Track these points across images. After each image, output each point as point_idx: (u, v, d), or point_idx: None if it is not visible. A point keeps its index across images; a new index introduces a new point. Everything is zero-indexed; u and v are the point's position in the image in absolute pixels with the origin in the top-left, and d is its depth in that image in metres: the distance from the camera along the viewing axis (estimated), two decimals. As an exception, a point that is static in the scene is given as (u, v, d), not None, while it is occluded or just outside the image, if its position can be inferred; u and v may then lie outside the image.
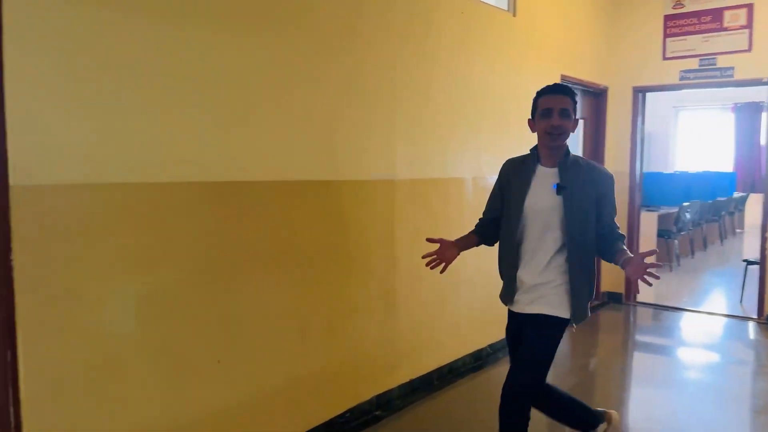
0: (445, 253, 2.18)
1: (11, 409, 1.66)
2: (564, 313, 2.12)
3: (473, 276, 3.44)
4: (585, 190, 2.12)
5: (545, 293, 2.13)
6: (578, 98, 2.24)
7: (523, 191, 2.16)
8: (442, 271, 2.19)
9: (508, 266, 2.21)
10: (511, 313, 2.27)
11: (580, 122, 4.75)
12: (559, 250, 2.13)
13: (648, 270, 1.96)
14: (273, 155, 2.33)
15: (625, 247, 2.11)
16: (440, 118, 3.22)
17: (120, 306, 1.90)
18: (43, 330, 1.72)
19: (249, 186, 2.25)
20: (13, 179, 1.64)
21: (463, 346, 3.49)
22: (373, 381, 2.88)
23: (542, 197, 2.14)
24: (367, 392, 2.84)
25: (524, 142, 2.47)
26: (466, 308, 3.47)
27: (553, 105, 2.09)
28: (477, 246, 2.33)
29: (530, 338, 2.16)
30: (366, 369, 2.82)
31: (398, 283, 2.96)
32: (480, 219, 2.36)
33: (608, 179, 2.19)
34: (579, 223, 2.11)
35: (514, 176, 2.22)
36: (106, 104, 1.84)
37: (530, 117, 2.19)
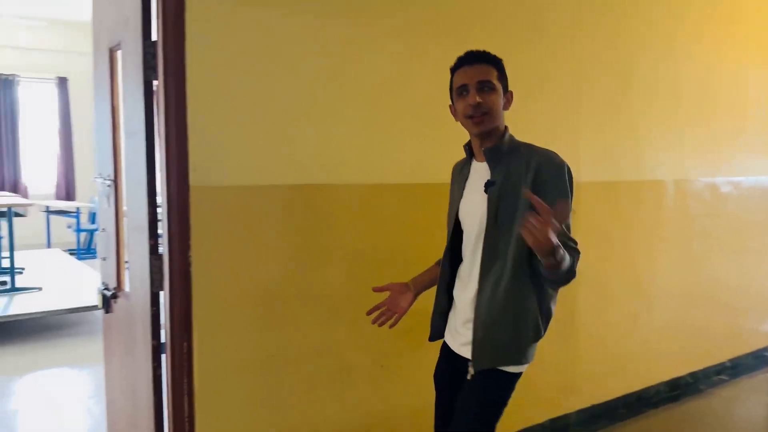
0: (396, 303, 1.72)
1: (185, 399, 1.74)
2: (505, 362, 1.56)
3: (670, 288, 3.03)
4: (520, 184, 1.53)
5: (480, 333, 1.56)
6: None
7: (457, 197, 1.69)
8: (391, 326, 1.72)
9: (446, 289, 1.72)
10: (445, 347, 1.74)
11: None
12: (495, 271, 1.56)
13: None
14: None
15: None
16: (635, 111, 2.85)
17: (290, 304, 1.92)
18: (215, 325, 1.79)
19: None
20: (193, 180, 1.71)
21: (657, 372, 3.08)
22: (548, 403, 2.64)
23: (473, 201, 1.63)
24: (539, 415, 2.61)
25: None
26: (662, 328, 3.05)
27: (468, 80, 1.57)
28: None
29: (463, 397, 1.61)
30: (539, 389, 2.59)
31: (579, 297, 2.68)
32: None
33: (552, 166, 1.54)
34: (509, 230, 1.54)
35: (455, 181, 1.75)
36: (281, 108, 1.85)
37: (450, 102, 1.67)
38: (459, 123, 1.62)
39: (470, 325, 1.58)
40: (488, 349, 1.55)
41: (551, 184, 1.51)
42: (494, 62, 1.60)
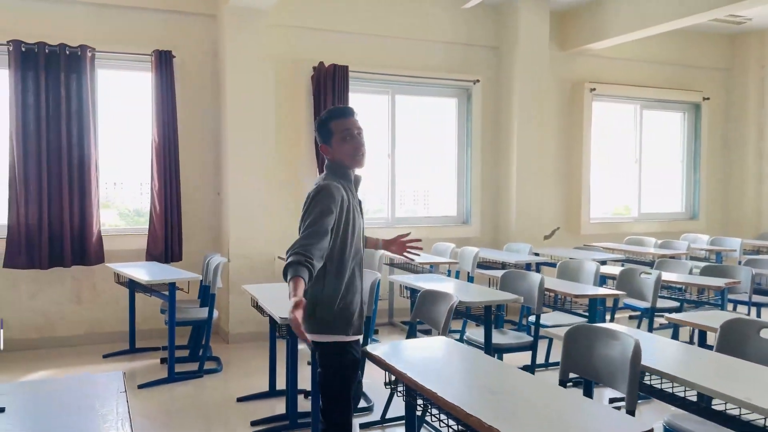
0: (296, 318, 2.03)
1: None
2: None
3: None
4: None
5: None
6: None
7: (357, 215, 2.41)
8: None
9: (357, 293, 2.42)
10: (355, 346, 2.42)
11: None
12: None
13: (407, 245, 2.75)
14: None
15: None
16: None
17: None
18: None
19: None
20: None
21: None
22: None
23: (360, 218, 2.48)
24: None
25: None
26: None
27: (351, 124, 2.39)
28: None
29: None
30: None
31: None
32: (308, 260, 2.15)
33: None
34: None
35: (351, 203, 2.38)
36: None
37: (323, 143, 2.43)
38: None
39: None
40: None
41: None
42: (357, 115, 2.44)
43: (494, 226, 7.04)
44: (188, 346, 5.17)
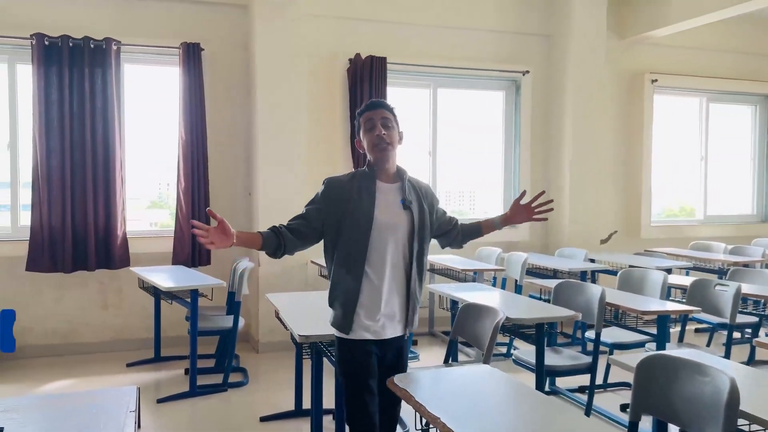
0: (217, 236, 2.08)
1: None
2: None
3: None
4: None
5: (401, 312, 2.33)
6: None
7: (368, 209, 2.25)
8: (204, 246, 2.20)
9: (356, 291, 2.24)
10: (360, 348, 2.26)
11: None
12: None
13: (535, 207, 2.52)
14: None
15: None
16: None
17: None
18: None
19: None
20: None
21: None
22: None
23: (393, 213, 2.28)
24: None
25: None
26: None
27: (374, 115, 2.32)
28: (260, 250, 2.22)
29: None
30: None
31: None
32: (281, 225, 2.25)
33: (431, 189, 2.49)
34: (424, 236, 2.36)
35: (352, 193, 2.27)
36: None
37: (357, 136, 2.40)
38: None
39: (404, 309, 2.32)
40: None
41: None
42: (390, 109, 2.37)
43: (545, 229, 6.51)
44: (215, 356, 4.86)
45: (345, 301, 2.26)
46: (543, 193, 2.58)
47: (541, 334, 3.19)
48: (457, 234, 2.59)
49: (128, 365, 4.82)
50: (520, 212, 2.55)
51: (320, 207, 2.27)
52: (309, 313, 3.22)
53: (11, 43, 4.91)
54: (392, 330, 2.30)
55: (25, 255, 4.87)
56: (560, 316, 3.31)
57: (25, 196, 4.99)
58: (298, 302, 3.61)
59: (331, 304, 2.32)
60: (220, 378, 4.39)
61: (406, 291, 2.30)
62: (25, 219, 4.98)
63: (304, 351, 3.08)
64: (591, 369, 3.44)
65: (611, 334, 4.03)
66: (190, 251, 5.14)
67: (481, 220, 2.63)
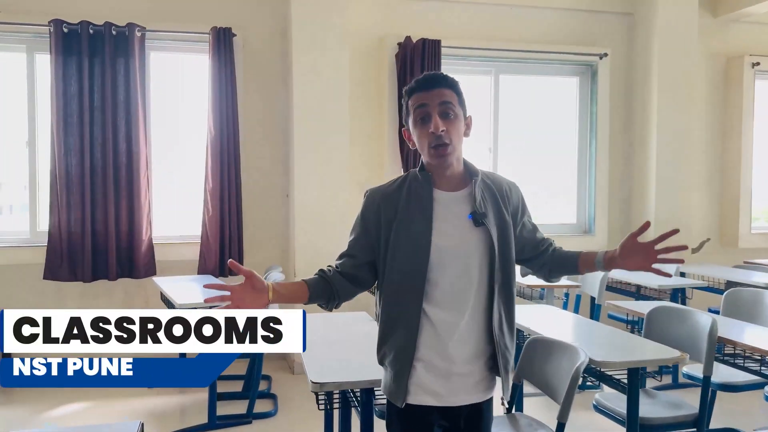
0: (243, 295, 1.56)
1: None
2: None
3: None
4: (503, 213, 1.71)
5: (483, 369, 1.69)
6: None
7: (423, 228, 1.64)
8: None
9: (406, 340, 1.64)
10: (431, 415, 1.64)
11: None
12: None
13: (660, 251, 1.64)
14: None
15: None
16: None
17: None
18: None
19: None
20: None
21: None
22: None
23: (455, 232, 1.66)
24: None
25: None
26: None
27: (429, 99, 1.64)
28: (307, 303, 1.69)
29: None
30: None
31: None
32: (330, 267, 1.73)
33: (518, 189, 1.80)
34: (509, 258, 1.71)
35: (385, 212, 1.69)
36: None
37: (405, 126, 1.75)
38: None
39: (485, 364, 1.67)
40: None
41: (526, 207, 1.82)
42: (453, 85, 1.68)
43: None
44: (244, 377, 4.31)
45: (396, 358, 1.66)
46: (677, 231, 1.68)
47: (635, 381, 2.44)
48: (544, 263, 1.83)
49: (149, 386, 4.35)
50: (636, 253, 1.70)
51: (359, 236, 1.73)
52: (343, 344, 2.59)
53: (28, 31, 4.52)
54: (467, 394, 1.67)
55: (43, 262, 4.47)
56: (662, 358, 2.53)
57: (45, 199, 4.59)
58: (333, 326, 2.95)
59: (380, 362, 1.73)
60: (245, 406, 3.83)
61: (487, 338, 1.67)
62: (43, 224, 4.59)
63: (322, 400, 2.42)
64: (698, 423, 2.66)
65: (718, 373, 3.21)
66: (217, 260, 4.62)
67: (581, 252, 1.83)
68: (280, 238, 5.02)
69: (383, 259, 1.69)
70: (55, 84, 4.41)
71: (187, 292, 3.90)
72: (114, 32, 4.48)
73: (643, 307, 3.24)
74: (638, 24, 5.60)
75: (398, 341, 1.65)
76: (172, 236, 4.93)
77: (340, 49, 4.76)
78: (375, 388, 2.09)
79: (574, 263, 1.79)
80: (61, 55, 4.40)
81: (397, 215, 1.67)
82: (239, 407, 3.87)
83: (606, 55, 5.56)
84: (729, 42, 5.95)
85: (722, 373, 3.21)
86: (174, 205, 5.03)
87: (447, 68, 5.09)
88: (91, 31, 4.45)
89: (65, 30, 4.40)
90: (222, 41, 4.64)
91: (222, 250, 4.63)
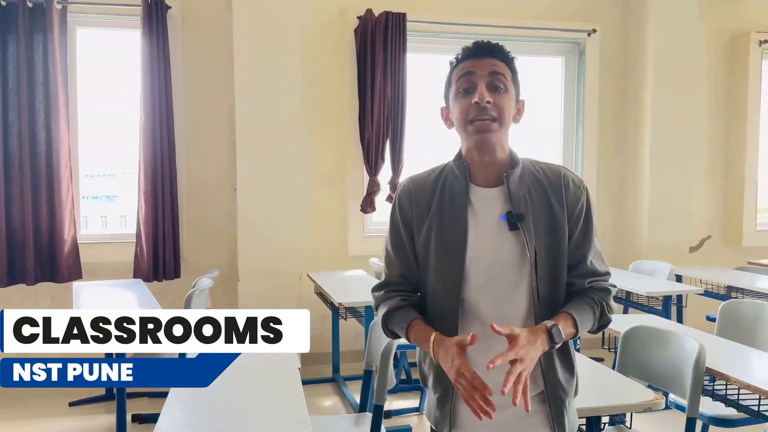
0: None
1: None
2: None
3: None
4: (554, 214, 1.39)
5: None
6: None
7: (460, 234, 1.39)
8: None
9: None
10: None
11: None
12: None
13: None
14: None
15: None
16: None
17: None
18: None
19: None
20: None
21: None
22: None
23: (491, 239, 1.38)
24: None
25: None
26: None
27: (477, 68, 1.38)
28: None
29: None
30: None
31: None
32: (398, 293, 1.47)
33: (584, 190, 1.43)
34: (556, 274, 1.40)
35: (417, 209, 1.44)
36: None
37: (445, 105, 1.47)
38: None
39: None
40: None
41: (586, 216, 1.43)
42: (507, 58, 1.43)
43: (616, 234, 5.32)
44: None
45: (438, 382, 1.44)
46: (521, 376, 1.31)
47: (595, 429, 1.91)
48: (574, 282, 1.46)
49: (71, 404, 3.89)
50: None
51: (398, 244, 1.48)
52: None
53: (-69, 4, 4.03)
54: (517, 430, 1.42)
55: (-47, 265, 4.01)
56: (628, 404, 1.98)
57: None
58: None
59: (423, 382, 1.52)
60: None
61: (539, 365, 1.39)
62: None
63: None
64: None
65: (707, 405, 2.67)
66: (151, 262, 4.13)
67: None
68: (227, 237, 4.53)
69: (421, 260, 1.46)
70: (-37, 64, 3.92)
71: (104, 298, 3.44)
72: (30, 4, 3.99)
73: (622, 324, 2.71)
74: (631, -3, 5.21)
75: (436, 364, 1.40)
76: (102, 235, 4.44)
77: (292, 24, 4.27)
78: None
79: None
80: (-32, 31, 3.92)
81: (429, 215, 1.44)
82: None
83: (594, 31, 5.13)
84: (733, 18, 5.53)
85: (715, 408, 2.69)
86: (106, 201, 4.55)
87: (413, 46, 4.63)
88: (3, 3, 3.96)
89: (-28, 2, 3.92)
90: (154, 15, 4.13)
91: (156, 251, 4.15)
